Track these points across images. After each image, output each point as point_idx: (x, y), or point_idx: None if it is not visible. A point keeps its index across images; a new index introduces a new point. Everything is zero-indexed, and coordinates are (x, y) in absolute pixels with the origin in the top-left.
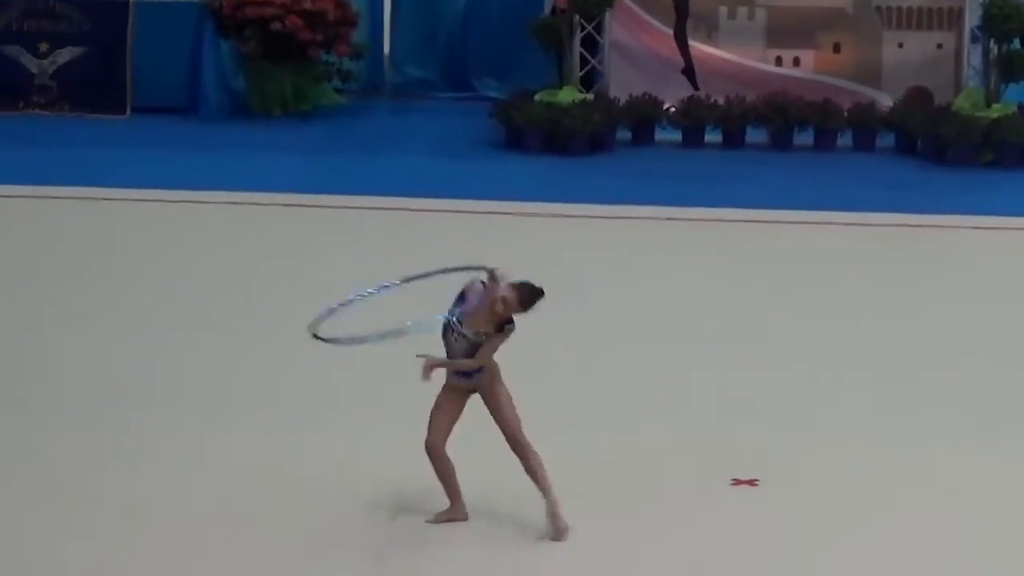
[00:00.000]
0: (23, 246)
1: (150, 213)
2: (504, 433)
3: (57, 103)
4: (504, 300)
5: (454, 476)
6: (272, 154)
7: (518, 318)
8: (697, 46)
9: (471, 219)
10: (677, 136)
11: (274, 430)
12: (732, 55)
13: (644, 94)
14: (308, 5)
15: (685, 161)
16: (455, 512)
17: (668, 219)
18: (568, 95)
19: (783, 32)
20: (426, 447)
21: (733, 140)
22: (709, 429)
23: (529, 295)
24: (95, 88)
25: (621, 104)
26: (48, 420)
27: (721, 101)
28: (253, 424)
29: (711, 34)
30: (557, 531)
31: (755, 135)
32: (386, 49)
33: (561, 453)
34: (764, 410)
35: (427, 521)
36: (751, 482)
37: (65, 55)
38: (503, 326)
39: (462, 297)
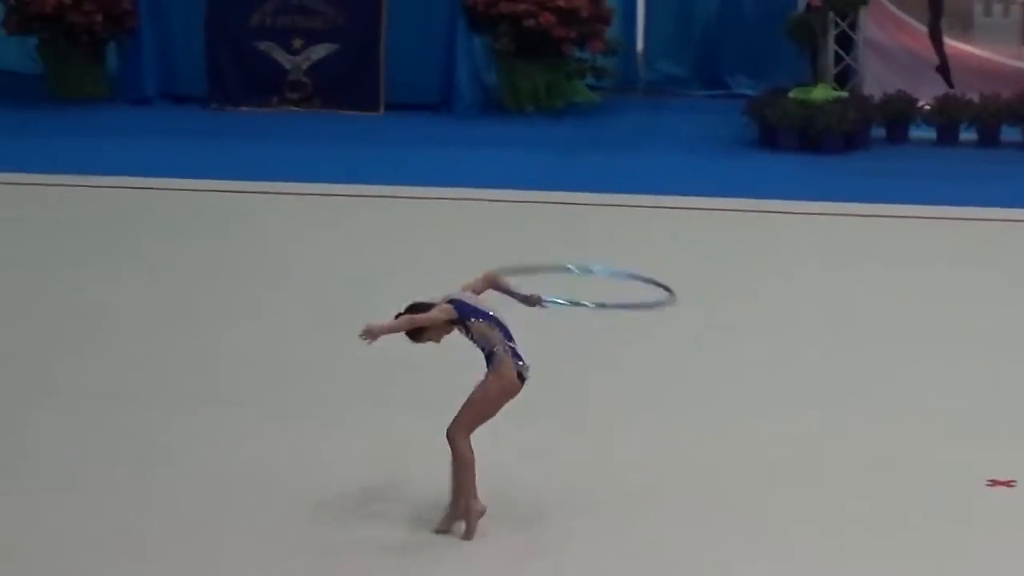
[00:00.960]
0: (276, 240)
1: (404, 209)
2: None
3: (310, 99)
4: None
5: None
6: (525, 151)
7: None
8: (952, 43)
9: (725, 217)
10: (932, 134)
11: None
12: (987, 52)
13: (898, 91)
14: (562, 2)
15: (940, 159)
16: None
17: (923, 217)
18: (822, 93)
19: None
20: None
21: (988, 138)
22: (964, 429)
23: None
24: (348, 84)
25: (875, 101)
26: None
27: (976, 99)
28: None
29: (966, 31)
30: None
31: (1010, 133)
32: (639, 46)
33: (835, 445)
34: (1018, 413)
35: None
36: (1008, 483)
37: (319, 51)
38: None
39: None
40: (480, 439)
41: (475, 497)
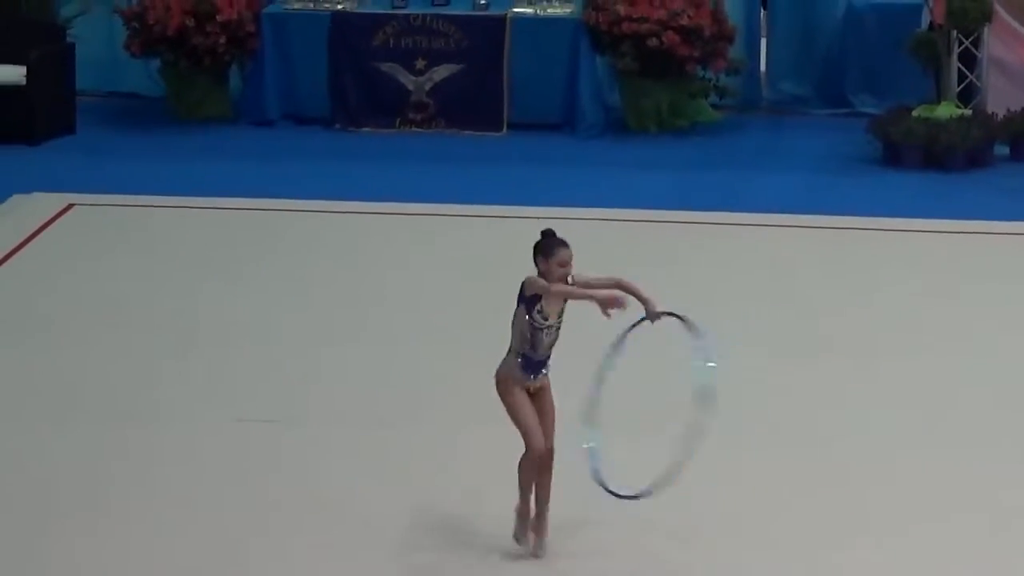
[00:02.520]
0: (399, 260)
1: (528, 228)
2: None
3: (433, 120)
4: (544, 274)
5: None
6: (649, 170)
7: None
8: None
9: (850, 235)
10: None
11: None
12: None
13: (1023, 109)
14: (685, 21)
15: None
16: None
17: None
18: (946, 110)
19: None
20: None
21: None
22: None
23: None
24: (471, 105)
25: (999, 119)
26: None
27: None
28: None
29: None
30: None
31: None
32: (762, 65)
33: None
34: None
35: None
36: None
37: (442, 72)
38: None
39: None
40: None
41: (524, 501)
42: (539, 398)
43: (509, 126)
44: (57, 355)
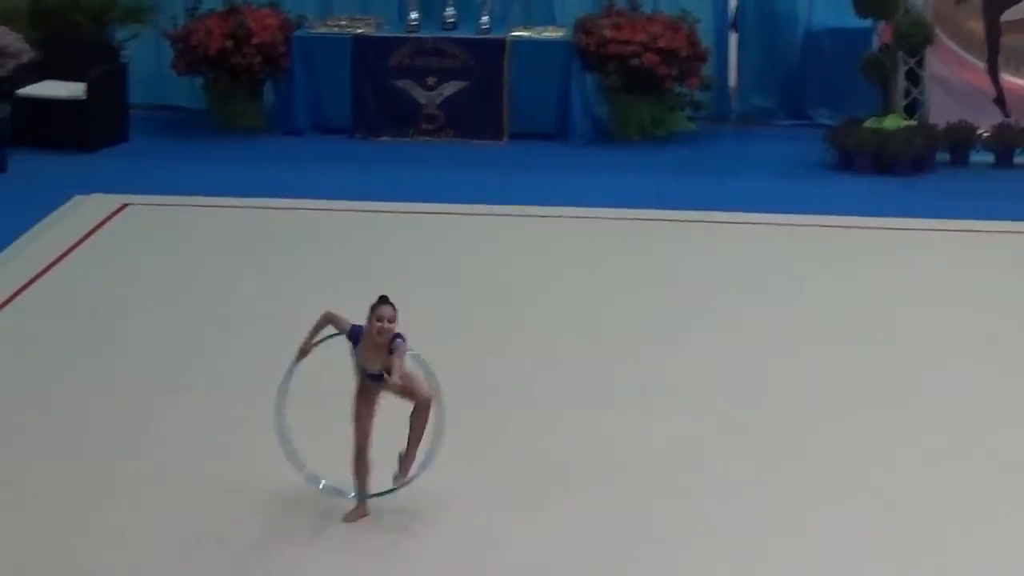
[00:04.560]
0: (408, 255)
1: (526, 227)
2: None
3: (442, 130)
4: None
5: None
6: (632, 175)
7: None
8: (1007, 78)
9: (809, 232)
10: (990, 158)
11: None
12: None
13: (960, 120)
14: (664, 43)
15: (997, 180)
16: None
17: (983, 232)
18: (893, 122)
19: None
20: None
21: None
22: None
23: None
24: (476, 117)
25: (940, 129)
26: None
27: None
28: None
29: (1020, 67)
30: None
31: None
32: (732, 82)
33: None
34: None
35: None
36: None
37: (450, 88)
38: (391, 347)
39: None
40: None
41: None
42: (370, 398)
43: (509, 135)
44: (116, 333)
